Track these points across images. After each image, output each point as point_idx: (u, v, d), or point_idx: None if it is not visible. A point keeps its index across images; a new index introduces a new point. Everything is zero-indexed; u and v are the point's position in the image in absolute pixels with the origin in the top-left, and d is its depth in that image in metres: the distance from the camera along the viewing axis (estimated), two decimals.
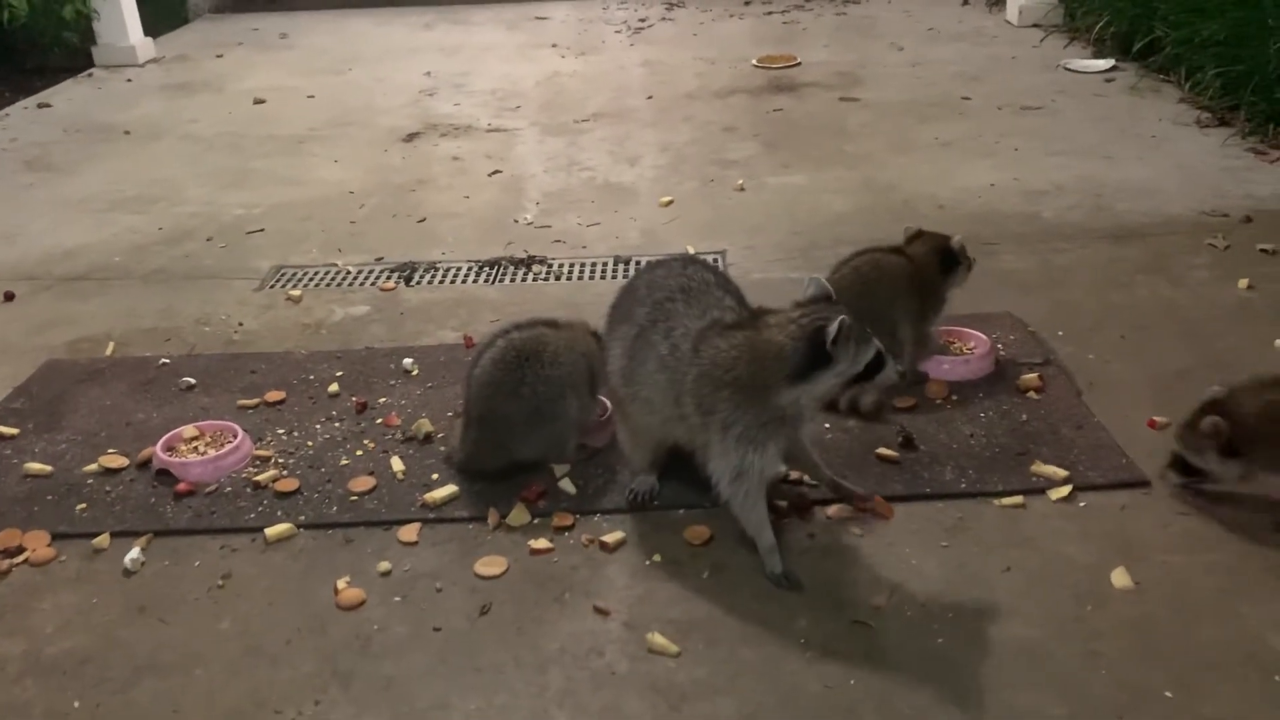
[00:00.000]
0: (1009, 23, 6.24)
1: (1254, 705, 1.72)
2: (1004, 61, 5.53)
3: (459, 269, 3.47)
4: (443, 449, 2.44)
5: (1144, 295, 3.06)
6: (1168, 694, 1.74)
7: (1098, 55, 5.40)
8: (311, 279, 3.44)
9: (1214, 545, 2.07)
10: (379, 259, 3.56)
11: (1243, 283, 3.06)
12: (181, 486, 2.34)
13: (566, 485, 2.29)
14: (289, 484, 2.35)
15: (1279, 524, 2.08)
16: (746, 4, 7.25)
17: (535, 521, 2.21)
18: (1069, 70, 5.28)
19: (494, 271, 3.44)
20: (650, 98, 5.28)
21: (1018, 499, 2.21)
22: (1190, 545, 2.07)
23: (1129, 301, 3.02)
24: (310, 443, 2.52)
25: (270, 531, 2.20)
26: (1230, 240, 3.33)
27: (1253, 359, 2.68)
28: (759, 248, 3.52)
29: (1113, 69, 5.20)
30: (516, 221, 3.84)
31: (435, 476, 2.36)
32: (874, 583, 2.02)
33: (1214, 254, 3.27)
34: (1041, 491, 2.23)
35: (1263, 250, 3.26)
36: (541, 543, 2.13)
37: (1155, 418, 2.44)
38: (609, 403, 2.49)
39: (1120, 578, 1.98)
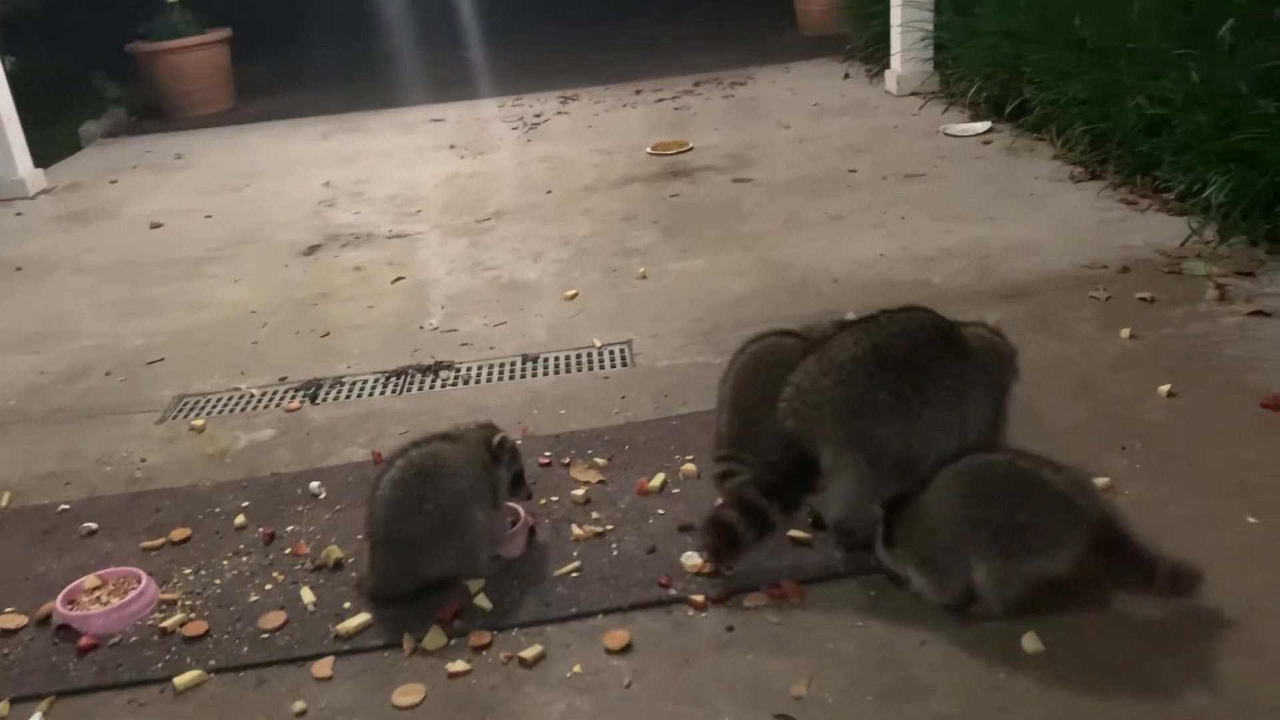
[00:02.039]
0: (889, 93, 6.49)
1: None
2: (887, 131, 5.74)
3: (365, 382, 3.45)
4: (354, 575, 2.40)
5: (1034, 352, 3.14)
6: None
7: (975, 119, 5.64)
8: (215, 406, 3.39)
9: (1117, 600, 2.12)
10: (283, 379, 3.53)
11: (1125, 332, 3.18)
12: (84, 641, 2.26)
13: (482, 601, 2.27)
14: (197, 627, 2.28)
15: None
16: (637, 93, 7.42)
17: (452, 642, 2.17)
18: (948, 135, 5.50)
19: (401, 381, 3.43)
20: (549, 192, 5.36)
21: None
22: (1093, 602, 2.12)
23: (1021, 360, 3.11)
24: (218, 580, 2.46)
25: (179, 681, 2.13)
26: (1110, 291, 3.47)
27: (1140, 407, 2.79)
28: (664, 335, 3.57)
29: (989, 131, 5.43)
30: (422, 328, 3.85)
31: (347, 605, 2.31)
32: (795, 671, 2.02)
33: (1096, 306, 3.40)
34: None
35: (1141, 299, 3.40)
36: (459, 665, 2.10)
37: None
38: (521, 510, 2.50)
39: (1030, 642, 2.02)
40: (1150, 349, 3.10)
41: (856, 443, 2.22)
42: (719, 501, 2.53)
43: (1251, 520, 2.31)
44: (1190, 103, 3.92)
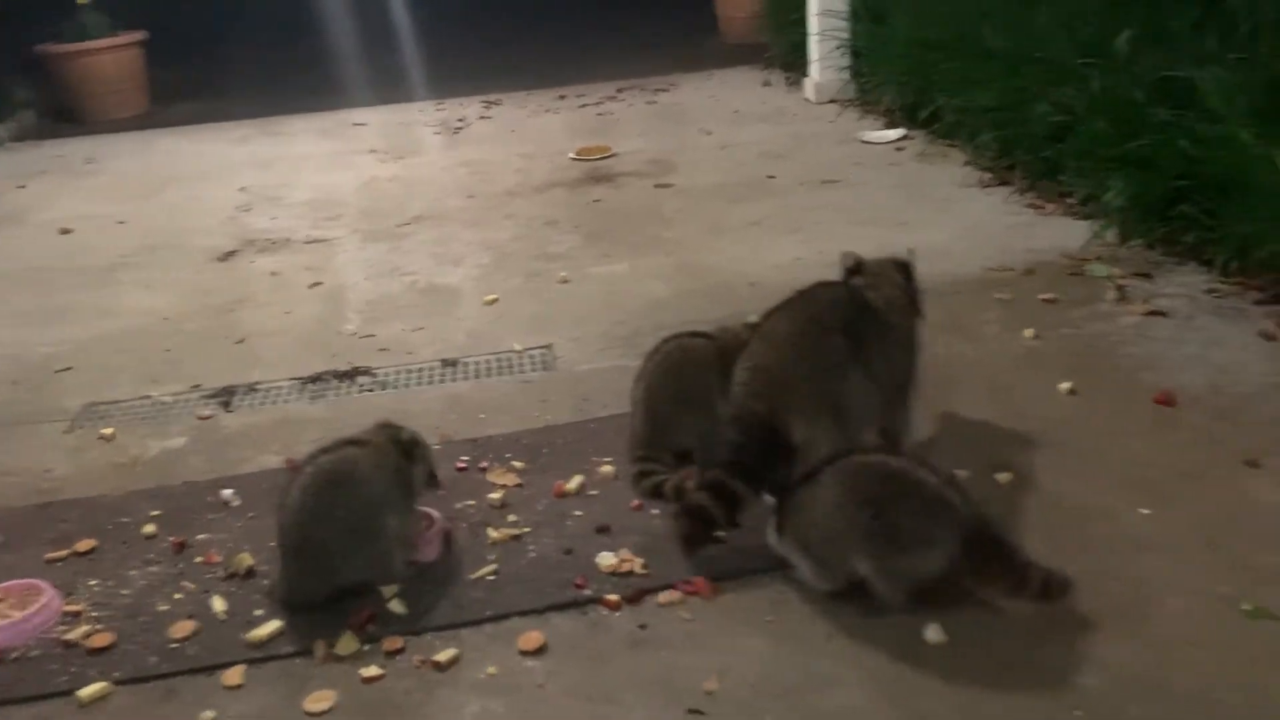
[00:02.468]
0: (807, 100, 6.60)
1: None
2: (805, 138, 5.84)
3: (280, 388, 3.41)
4: (266, 582, 2.38)
5: (944, 353, 3.23)
6: None
7: (889, 126, 5.76)
8: (125, 414, 3.32)
9: None
10: (196, 386, 3.47)
11: (1028, 332, 3.29)
12: None
13: (396, 606, 2.26)
14: (103, 638, 2.24)
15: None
16: (561, 98, 7.44)
17: (365, 648, 2.17)
18: (864, 142, 5.61)
19: (317, 387, 3.39)
20: (471, 197, 5.34)
21: None
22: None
23: (931, 360, 3.18)
24: (126, 591, 2.42)
25: (83, 693, 2.09)
26: (1016, 293, 3.58)
27: (1041, 404, 2.89)
28: (584, 339, 3.59)
29: (904, 138, 5.55)
30: (339, 333, 3.81)
31: (259, 613, 2.29)
32: (706, 667, 2.06)
33: (1002, 307, 3.51)
34: None
35: (1044, 300, 3.51)
36: (372, 670, 2.09)
37: (959, 470, 2.59)
38: (435, 514, 2.50)
39: (934, 634, 2.08)
40: (1052, 348, 3.20)
41: (826, 406, 2.35)
42: (635, 501, 2.56)
43: (1144, 511, 2.40)
44: (1091, 110, 4.06)
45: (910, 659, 2.03)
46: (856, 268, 2.68)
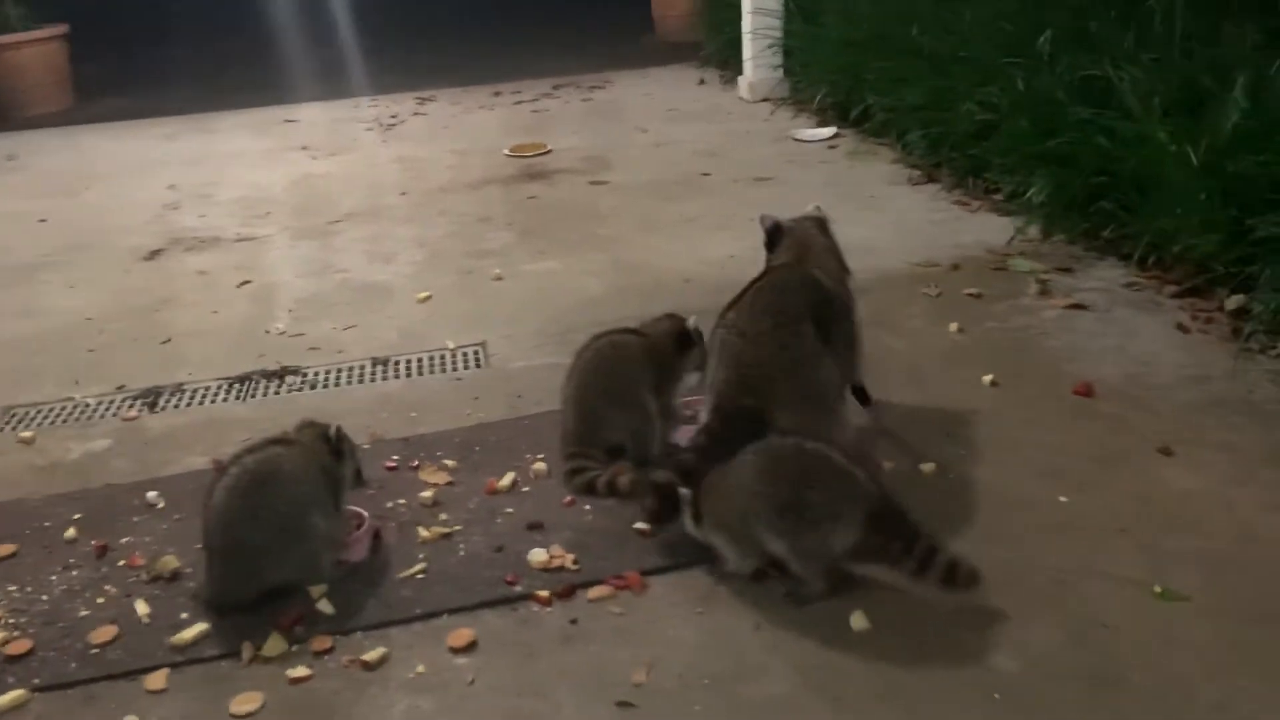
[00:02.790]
0: (741, 99, 6.65)
1: None
2: (739, 136, 5.88)
3: (207, 389, 3.36)
4: (191, 585, 2.34)
5: (871, 347, 3.27)
6: None
7: (821, 124, 5.83)
8: (46, 417, 3.25)
9: None
10: (120, 387, 3.40)
11: (953, 326, 3.35)
12: None
13: (325, 606, 2.24)
14: (20, 646, 2.19)
15: (788, 593, 2.21)
16: (496, 95, 7.41)
17: (293, 649, 2.14)
18: (797, 140, 5.67)
19: (245, 387, 3.35)
20: (404, 194, 5.30)
21: None
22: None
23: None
24: (45, 597, 2.37)
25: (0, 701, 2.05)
26: (942, 288, 3.65)
27: (965, 396, 2.95)
28: (518, 336, 3.59)
29: (835, 136, 5.63)
30: (268, 332, 3.76)
31: (184, 616, 2.25)
32: (636, 659, 2.07)
33: (928, 302, 3.57)
34: None
35: (969, 294, 3.58)
36: (299, 671, 2.07)
37: (885, 461, 2.64)
38: (365, 514, 2.48)
39: (858, 621, 2.11)
40: (976, 341, 3.27)
41: (808, 394, 2.45)
42: (567, 498, 2.57)
43: (1063, 499, 2.46)
44: (1015, 109, 4.15)
45: (836, 647, 2.06)
46: (776, 229, 2.79)
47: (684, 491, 2.27)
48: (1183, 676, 1.93)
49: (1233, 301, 3.20)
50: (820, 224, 2.85)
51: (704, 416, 2.50)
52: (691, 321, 2.75)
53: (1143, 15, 4.06)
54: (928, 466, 2.62)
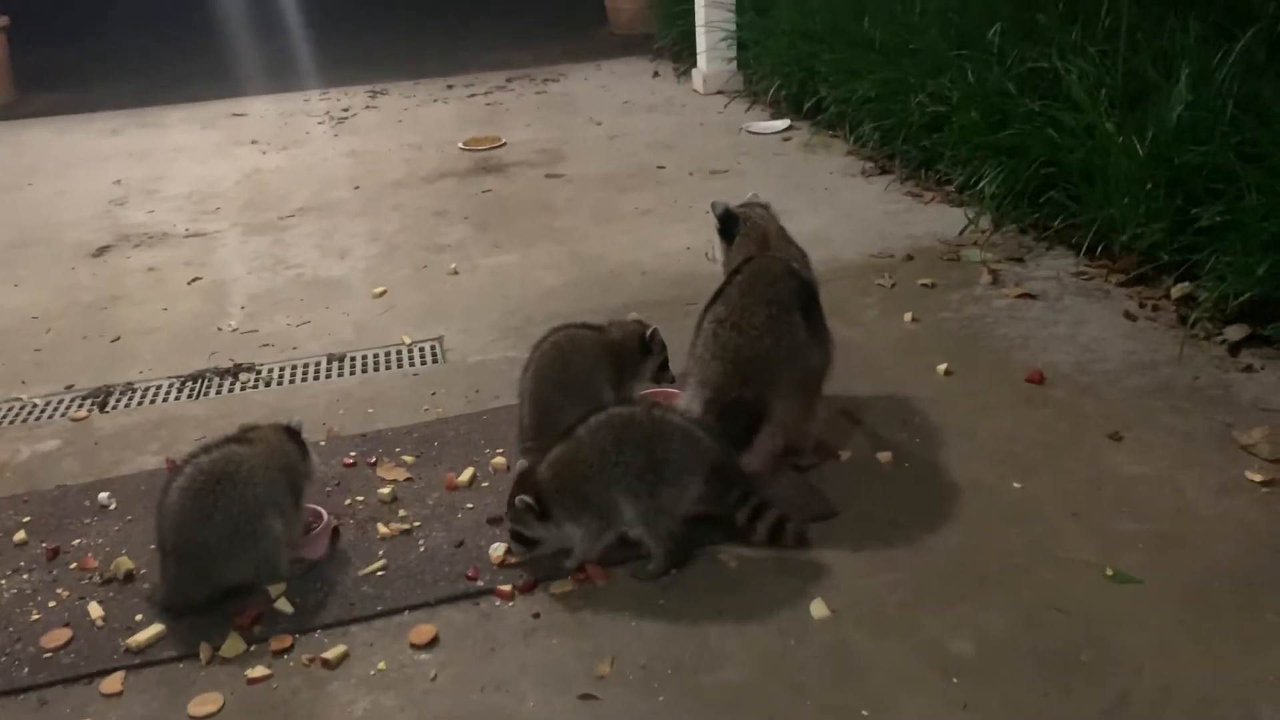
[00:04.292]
0: (696, 91, 6.66)
1: (937, 709, 1.90)
2: (693, 129, 5.90)
3: (159, 387, 3.31)
4: (146, 586, 2.31)
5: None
6: (864, 713, 1.90)
7: (775, 116, 5.86)
8: None
9: (896, 564, 2.28)
10: (69, 387, 3.34)
11: (908, 316, 3.39)
12: None
13: (283, 605, 2.22)
14: None
15: (636, 571, 2.30)
16: (449, 88, 7.36)
17: (252, 649, 2.13)
18: (751, 133, 5.69)
19: (197, 385, 3.30)
20: (358, 188, 5.25)
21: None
22: (875, 567, 2.27)
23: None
24: None
25: None
26: (896, 278, 3.69)
27: (919, 384, 2.98)
28: (475, 330, 3.57)
29: (789, 128, 5.65)
30: (220, 329, 3.71)
31: (139, 617, 2.23)
32: (598, 651, 2.08)
33: (883, 292, 3.61)
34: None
35: (923, 285, 3.63)
36: (259, 670, 2.06)
37: (840, 451, 2.67)
38: (323, 511, 2.46)
39: (818, 608, 2.14)
40: (930, 331, 3.31)
41: (802, 381, 2.57)
42: None
43: (1016, 485, 2.51)
44: (965, 101, 4.19)
45: (796, 634, 2.09)
46: (729, 216, 2.87)
47: (523, 499, 2.26)
48: (1132, 656, 1.98)
49: (1178, 289, 3.27)
50: (767, 210, 2.89)
51: (693, 409, 2.51)
52: (650, 331, 2.72)
53: (1089, 8, 4.12)
54: (884, 455, 2.65)
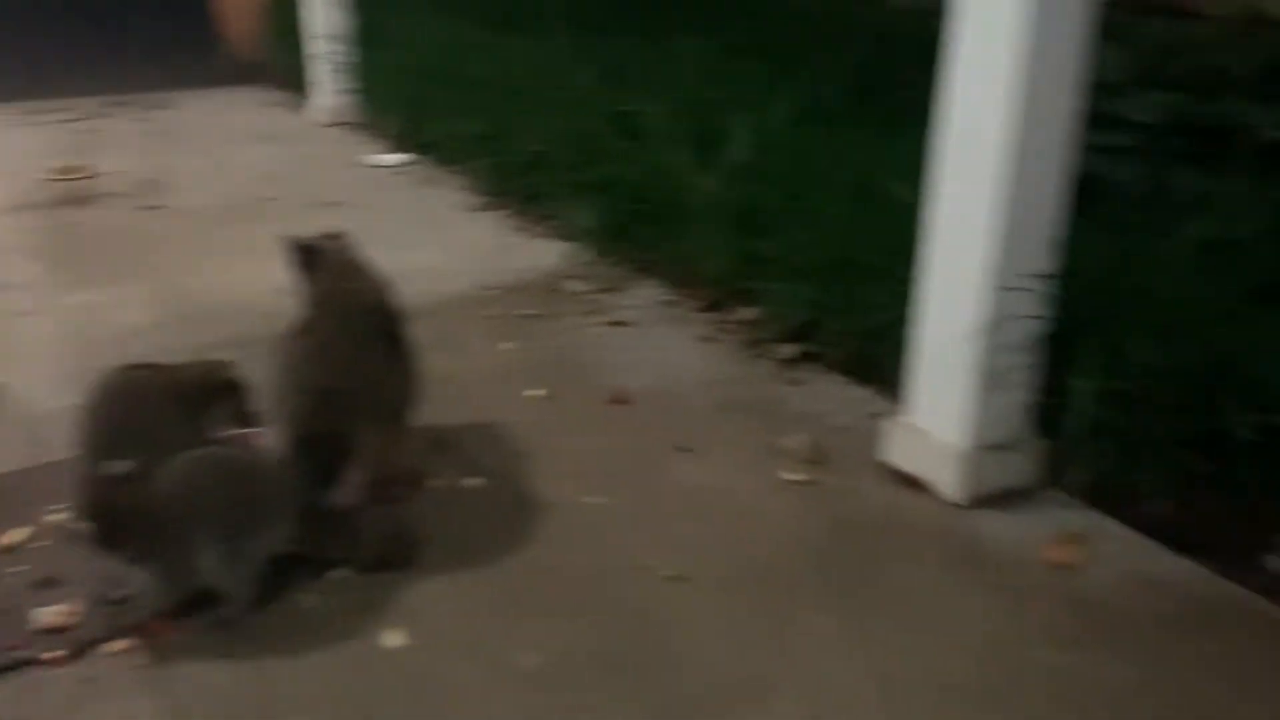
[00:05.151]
0: (312, 122, 6.52)
1: None
2: (308, 160, 5.77)
3: None
4: None
5: (431, 367, 3.35)
6: None
7: (392, 150, 5.86)
8: None
9: (476, 586, 2.34)
10: None
11: (509, 345, 3.51)
12: None
13: None
14: None
15: (214, 620, 2.23)
16: (38, 113, 6.71)
17: None
18: (367, 165, 5.66)
19: None
20: None
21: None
22: (456, 591, 2.32)
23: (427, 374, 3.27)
24: None
25: None
26: (501, 309, 3.81)
27: (516, 410, 3.09)
28: (46, 376, 3.27)
29: (406, 163, 5.68)
30: None
31: None
32: (159, 710, 1.97)
33: (487, 323, 3.71)
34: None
35: (525, 315, 3.77)
36: None
37: (432, 480, 2.71)
38: None
39: (394, 638, 2.15)
40: (530, 359, 3.44)
41: (390, 411, 2.56)
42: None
43: (594, 500, 2.65)
44: (562, 140, 4.42)
45: (371, 666, 2.09)
46: (307, 250, 2.80)
47: (87, 525, 2.15)
48: (681, 652, 2.15)
49: (744, 314, 3.62)
50: (345, 240, 2.89)
51: (276, 447, 2.46)
52: (230, 372, 2.61)
53: (670, 56, 4.50)
54: (474, 480, 2.72)
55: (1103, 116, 3.11)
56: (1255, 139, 3.18)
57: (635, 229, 4.10)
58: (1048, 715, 2.01)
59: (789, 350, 3.38)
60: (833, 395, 3.20)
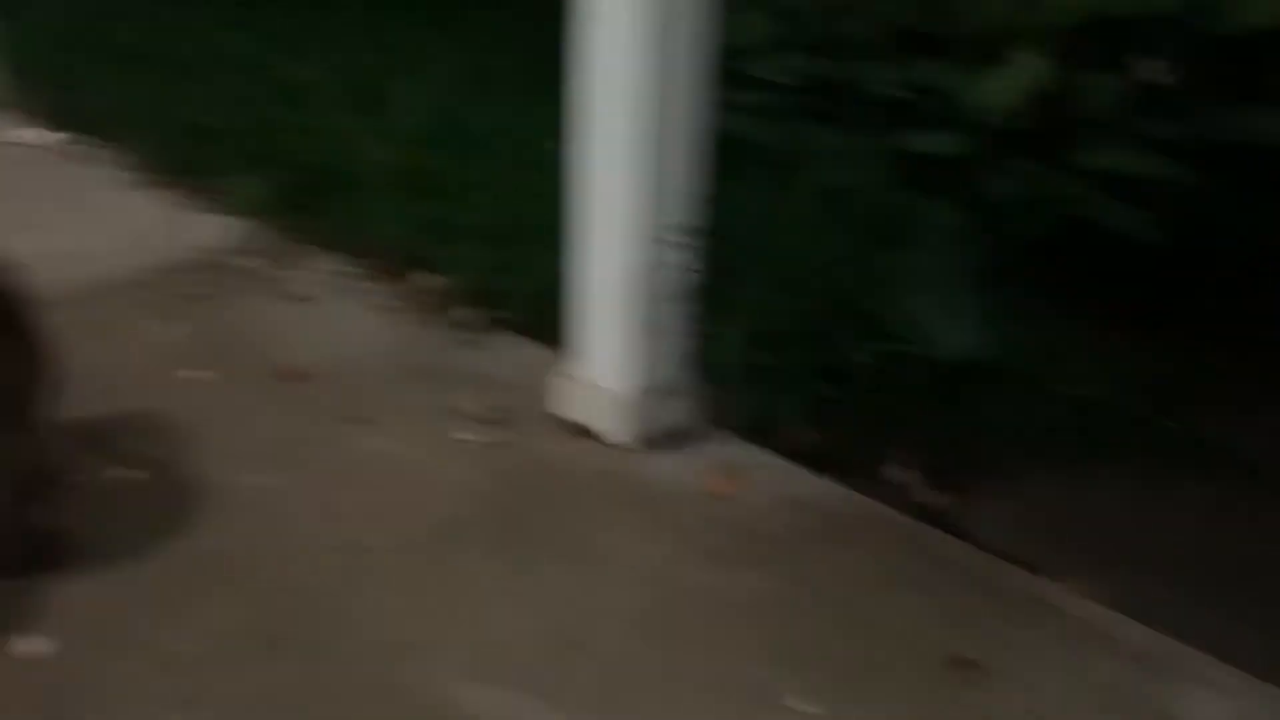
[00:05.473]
0: None
1: (159, 711, 1.93)
2: None
3: None
4: None
5: (80, 357, 3.11)
6: None
7: (44, 127, 5.34)
8: None
9: (136, 578, 2.24)
10: None
11: (177, 328, 3.32)
12: None
13: None
14: None
15: None
16: None
17: None
18: (14, 144, 5.14)
19: None
20: None
21: None
22: (114, 587, 2.21)
23: (77, 364, 3.05)
24: None
25: None
26: (168, 290, 3.59)
27: (186, 395, 2.95)
28: None
29: (56, 140, 5.20)
30: None
31: None
32: None
33: (155, 305, 3.49)
34: None
35: (194, 294, 3.58)
36: None
37: (92, 474, 2.56)
38: None
39: (31, 644, 2.04)
40: (194, 342, 3.28)
41: (16, 406, 2.28)
42: None
43: (265, 480, 2.60)
44: (228, 112, 4.21)
45: (12, 676, 1.96)
46: None
47: None
48: (351, 620, 2.18)
49: (423, 282, 3.62)
50: None
51: None
52: None
53: (338, 22, 4.38)
54: (129, 473, 2.58)
55: (745, 78, 3.34)
56: (876, 96, 3.49)
57: (307, 200, 3.98)
58: (697, 629, 2.19)
59: (468, 315, 3.41)
60: (511, 356, 3.26)
